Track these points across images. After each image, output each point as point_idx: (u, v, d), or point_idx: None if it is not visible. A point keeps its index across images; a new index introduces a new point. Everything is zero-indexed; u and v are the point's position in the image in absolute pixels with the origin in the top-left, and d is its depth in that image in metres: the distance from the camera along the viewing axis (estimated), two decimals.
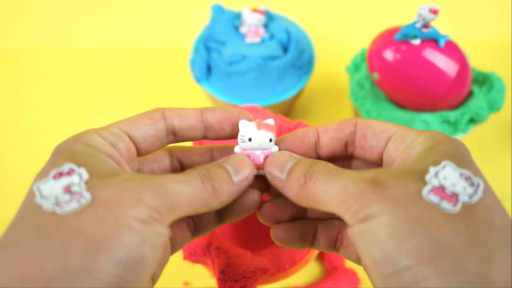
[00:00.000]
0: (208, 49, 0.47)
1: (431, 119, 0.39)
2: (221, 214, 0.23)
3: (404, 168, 0.18)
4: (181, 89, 0.56)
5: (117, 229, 0.16)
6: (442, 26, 0.39)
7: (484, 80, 0.41)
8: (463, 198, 0.16)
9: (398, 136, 0.20)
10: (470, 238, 0.15)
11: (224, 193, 0.19)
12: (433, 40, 0.37)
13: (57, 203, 0.16)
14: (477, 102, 0.39)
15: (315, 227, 0.23)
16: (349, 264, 0.43)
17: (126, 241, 0.16)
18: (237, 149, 0.22)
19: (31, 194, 0.17)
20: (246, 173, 0.20)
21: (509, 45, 0.57)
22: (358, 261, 0.22)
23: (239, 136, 0.21)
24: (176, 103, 0.54)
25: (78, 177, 0.17)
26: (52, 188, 0.16)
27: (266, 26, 0.47)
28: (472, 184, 0.17)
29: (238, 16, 0.47)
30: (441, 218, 0.16)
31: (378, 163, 0.22)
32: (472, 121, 0.40)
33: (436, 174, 0.17)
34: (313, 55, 0.48)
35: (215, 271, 0.30)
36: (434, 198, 0.16)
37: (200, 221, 0.23)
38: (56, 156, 0.18)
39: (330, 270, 0.42)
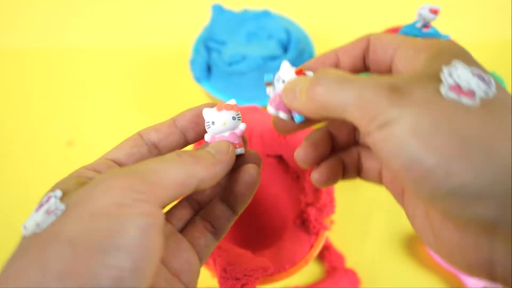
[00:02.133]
0: (208, 49, 0.47)
1: None
2: (229, 202, 0.23)
3: (418, 73, 0.18)
4: (181, 89, 0.56)
5: (92, 221, 0.15)
6: (442, 26, 0.39)
7: None
8: (480, 94, 0.16)
9: (404, 47, 0.20)
10: (496, 130, 0.15)
11: (208, 162, 0.19)
12: None
13: (37, 225, 0.16)
14: None
15: (341, 160, 0.24)
16: (349, 264, 0.43)
17: (104, 229, 0.15)
18: (206, 137, 0.22)
19: None
20: (225, 148, 0.21)
21: (509, 45, 0.57)
22: (379, 179, 0.23)
23: (205, 124, 0.22)
24: (176, 103, 0.55)
25: (54, 198, 0.17)
26: (34, 219, 0.16)
27: (265, 25, 0.47)
28: (484, 81, 0.16)
29: (238, 16, 0.47)
30: (463, 113, 0.15)
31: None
32: None
33: (450, 74, 0.16)
34: (313, 55, 0.48)
35: (217, 269, 0.30)
36: (453, 95, 0.16)
37: (213, 218, 0.23)
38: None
39: (330, 270, 0.42)
